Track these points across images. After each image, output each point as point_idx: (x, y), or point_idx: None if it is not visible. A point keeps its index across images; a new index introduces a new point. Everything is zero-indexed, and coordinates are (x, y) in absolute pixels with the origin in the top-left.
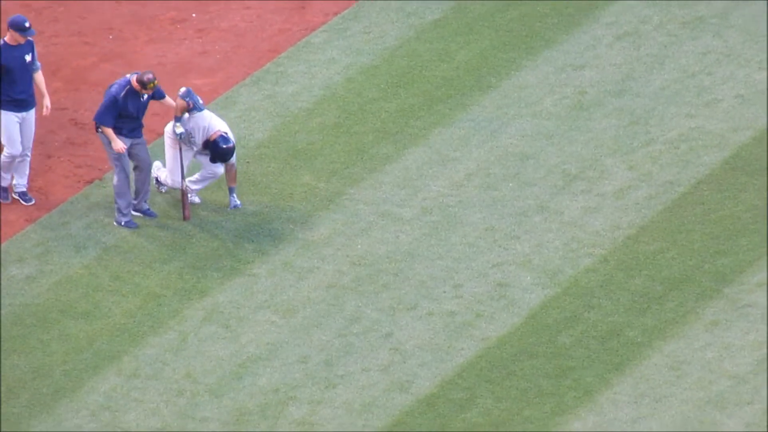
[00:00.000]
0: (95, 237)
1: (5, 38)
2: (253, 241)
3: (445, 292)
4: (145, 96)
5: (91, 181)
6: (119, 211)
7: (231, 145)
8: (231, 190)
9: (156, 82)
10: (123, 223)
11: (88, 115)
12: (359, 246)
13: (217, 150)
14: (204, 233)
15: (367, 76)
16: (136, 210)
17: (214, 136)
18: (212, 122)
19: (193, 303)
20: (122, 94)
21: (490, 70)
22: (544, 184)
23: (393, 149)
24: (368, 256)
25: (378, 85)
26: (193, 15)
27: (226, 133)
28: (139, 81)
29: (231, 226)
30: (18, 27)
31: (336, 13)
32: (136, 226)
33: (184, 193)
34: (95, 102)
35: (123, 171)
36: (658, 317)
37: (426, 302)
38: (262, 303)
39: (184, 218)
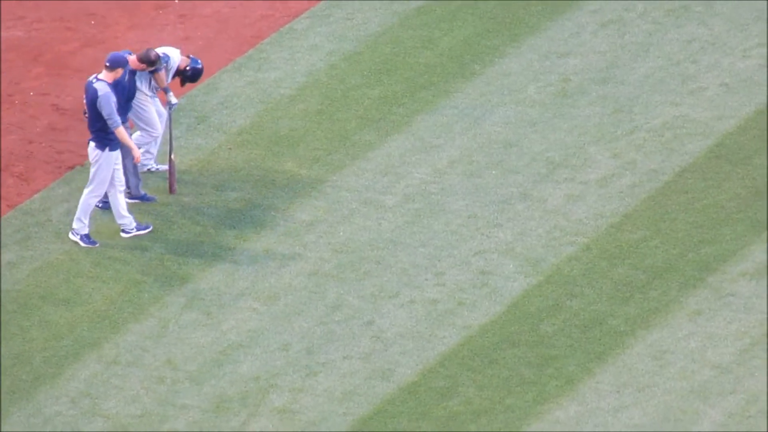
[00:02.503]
0: None
1: (104, 79)
2: (234, 228)
3: (427, 279)
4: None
5: (72, 167)
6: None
7: (201, 64)
8: (166, 90)
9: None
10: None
11: (70, 101)
12: (341, 233)
13: (198, 74)
14: (185, 220)
15: (350, 63)
16: (133, 197)
17: (184, 65)
18: (172, 53)
19: (174, 290)
20: (126, 79)
21: (474, 57)
22: (527, 172)
23: (376, 136)
24: (350, 243)
25: (361, 71)
26: (176, 0)
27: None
28: (145, 60)
29: (212, 212)
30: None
31: (319, 0)
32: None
33: (171, 165)
34: (77, 87)
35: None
36: (640, 306)
37: (408, 290)
38: (244, 290)
39: (171, 192)
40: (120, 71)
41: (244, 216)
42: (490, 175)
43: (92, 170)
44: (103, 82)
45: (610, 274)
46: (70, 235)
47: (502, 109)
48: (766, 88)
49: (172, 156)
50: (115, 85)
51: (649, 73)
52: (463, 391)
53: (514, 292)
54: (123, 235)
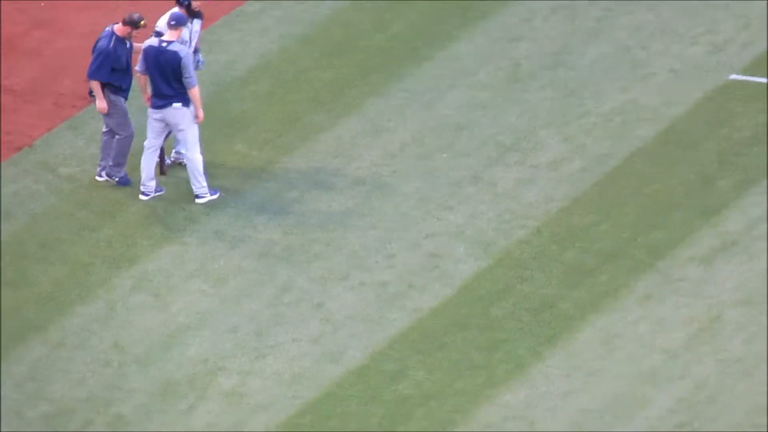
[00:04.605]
0: (24, 204)
1: (172, 39)
2: (184, 209)
3: (377, 262)
4: (128, 43)
5: (20, 148)
6: (119, 165)
7: None
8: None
9: (145, 21)
10: (118, 179)
11: (19, 82)
12: (291, 215)
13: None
14: (134, 201)
15: (301, 46)
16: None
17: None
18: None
19: (122, 271)
20: (111, 45)
21: (426, 40)
22: (478, 155)
23: (326, 118)
24: (300, 225)
25: (312, 54)
26: None
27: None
28: (129, 22)
29: (162, 193)
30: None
31: None
32: (130, 183)
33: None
34: (26, 69)
35: (128, 127)
36: (590, 290)
37: (358, 272)
38: (193, 272)
39: (162, 173)
40: (182, 29)
41: (193, 197)
42: (440, 158)
43: (183, 133)
44: (174, 42)
45: (560, 258)
46: (199, 201)
47: (454, 93)
48: (714, 74)
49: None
50: (106, 56)
51: (599, 59)
52: (413, 375)
53: (465, 275)
54: (141, 197)
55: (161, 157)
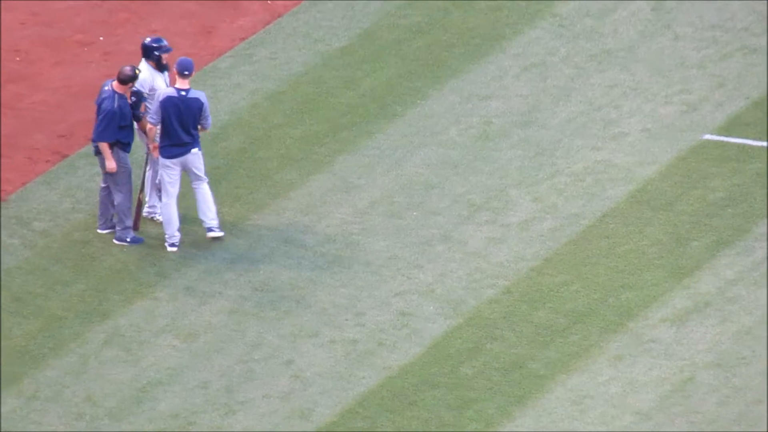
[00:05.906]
0: None
1: (188, 87)
2: (155, 265)
3: (347, 320)
4: (127, 95)
5: None
6: (126, 228)
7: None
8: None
9: (138, 70)
10: (129, 240)
11: None
12: (262, 272)
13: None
14: (107, 256)
15: (272, 102)
16: (110, 228)
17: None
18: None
19: (94, 326)
20: (116, 104)
21: (396, 98)
22: (448, 214)
23: (297, 175)
24: (270, 282)
25: (283, 111)
26: (101, 38)
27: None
28: (125, 78)
29: (134, 249)
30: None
31: (242, 39)
32: (143, 241)
33: (139, 202)
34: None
35: (129, 187)
36: (561, 350)
37: (328, 330)
38: (164, 327)
39: (134, 228)
40: (193, 75)
41: (165, 253)
42: (411, 216)
43: (201, 170)
44: (191, 89)
45: (530, 318)
46: (212, 234)
47: (424, 151)
48: (688, 134)
49: (141, 194)
50: (112, 116)
51: (571, 118)
52: None
53: (435, 333)
54: (171, 249)
55: (138, 211)
